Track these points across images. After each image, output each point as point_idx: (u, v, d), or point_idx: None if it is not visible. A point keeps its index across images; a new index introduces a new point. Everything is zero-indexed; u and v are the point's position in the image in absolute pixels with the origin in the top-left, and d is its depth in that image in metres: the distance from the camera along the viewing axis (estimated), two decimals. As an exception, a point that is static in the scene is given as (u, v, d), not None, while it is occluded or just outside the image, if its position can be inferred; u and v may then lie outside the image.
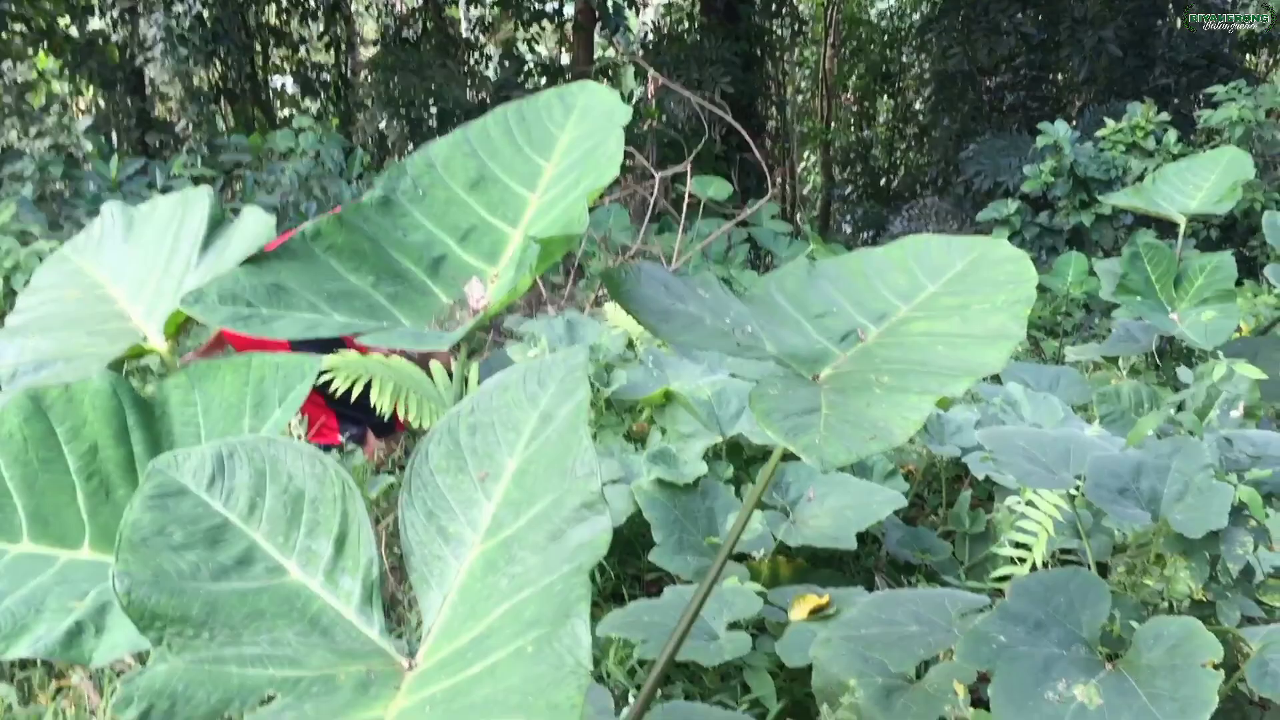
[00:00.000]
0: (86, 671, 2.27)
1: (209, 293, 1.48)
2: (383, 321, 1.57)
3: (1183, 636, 1.85)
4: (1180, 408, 2.63)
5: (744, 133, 8.83)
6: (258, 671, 1.07)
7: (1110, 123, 9.58)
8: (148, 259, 1.82)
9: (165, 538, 1.16)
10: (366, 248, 1.65)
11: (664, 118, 12.03)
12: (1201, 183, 5.17)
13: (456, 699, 0.99)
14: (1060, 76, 14.61)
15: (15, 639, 1.26)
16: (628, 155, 9.41)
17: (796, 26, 16.03)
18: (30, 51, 13.29)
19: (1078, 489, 2.63)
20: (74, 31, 12.32)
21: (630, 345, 3.69)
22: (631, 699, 2.47)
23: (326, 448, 3.75)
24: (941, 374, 1.57)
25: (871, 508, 2.85)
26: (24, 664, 2.43)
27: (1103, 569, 2.39)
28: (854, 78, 17.77)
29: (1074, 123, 10.91)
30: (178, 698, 1.04)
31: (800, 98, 18.28)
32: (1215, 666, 1.80)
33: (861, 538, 3.38)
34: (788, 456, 2.73)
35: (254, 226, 1.68)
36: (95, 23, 12.14)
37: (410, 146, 11.36)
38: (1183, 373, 3.38)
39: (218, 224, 1.78)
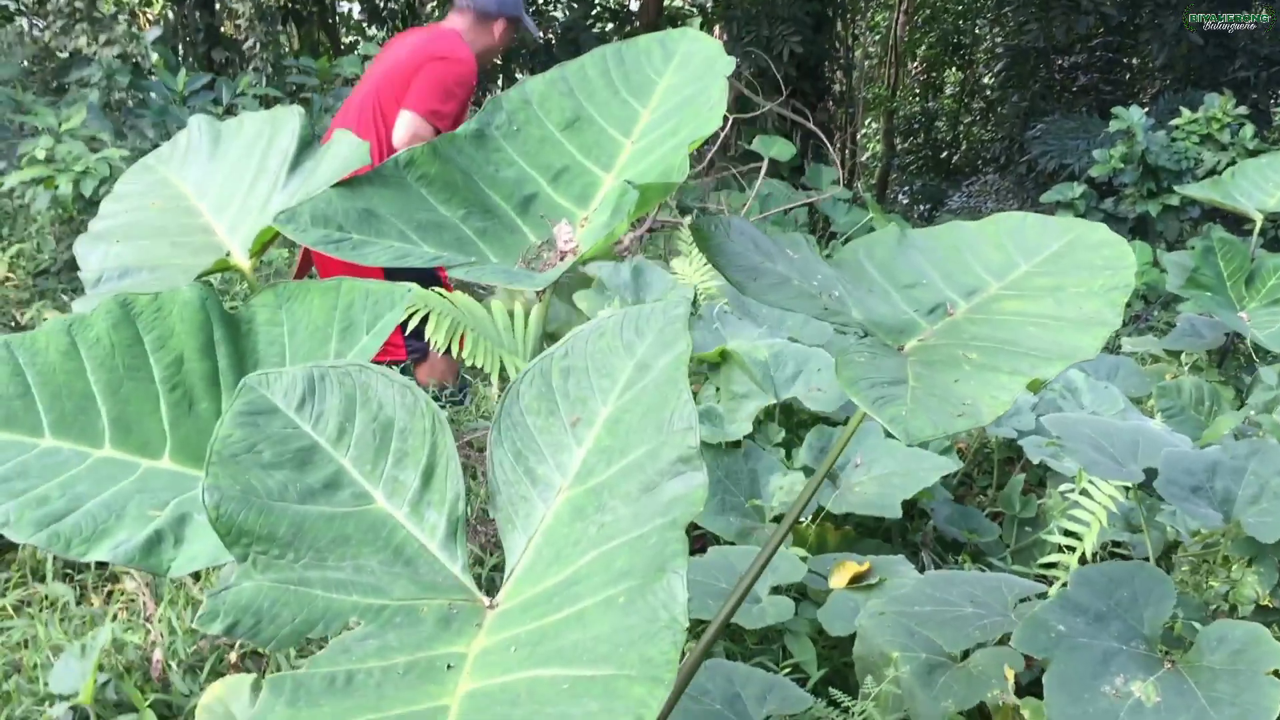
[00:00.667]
0: (143, 578, 2.30)
1: (302, 213, 1.48)
2: (471, 256, 1.56)
3: (1247, 642, 1.82)
4: (1265, 410, 2.58)
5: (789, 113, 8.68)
6: (342, 597, 1.07)
7: (1186, 112, 9.36)
8: (234, 174, 1.82)
9: (255, 455, 1.15)
10: (458, 180, 1.63)
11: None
12: (1283, 181, 5.04)
13: (543, 642, 0.98)
14: (1136, 61, 14.28)
15: (96, 542, 1.27)
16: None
17: (871, -11, 15.75)
18: (103, -42, 13.31)
19: (1139, 483, 2.60)
20: (148, -59, 12.34)
21: (694, 302, 3.66)
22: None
23: (391, 363, 3.82)
24: (1033, 355, 1.54)
25: (918, 475, 2.82)
26: (79, 567, 2.47)
27: (1161, 567, 2.36)
28: (924, 47, 17.46)
29: (1147, 109, 10.68)
30: (263, 615, 1.04)
31: (868, 63, 18.00)
32: (1278, 676, 1.77)
33: (910, 512, 3.36)
34: (834, 422, 2.71)
35: (346, 150, 1.66)
36: (169, -66, 12.14)
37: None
38: (1265, 373, 3.31)
39: (307, 145, 1.77)
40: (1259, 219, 4.97)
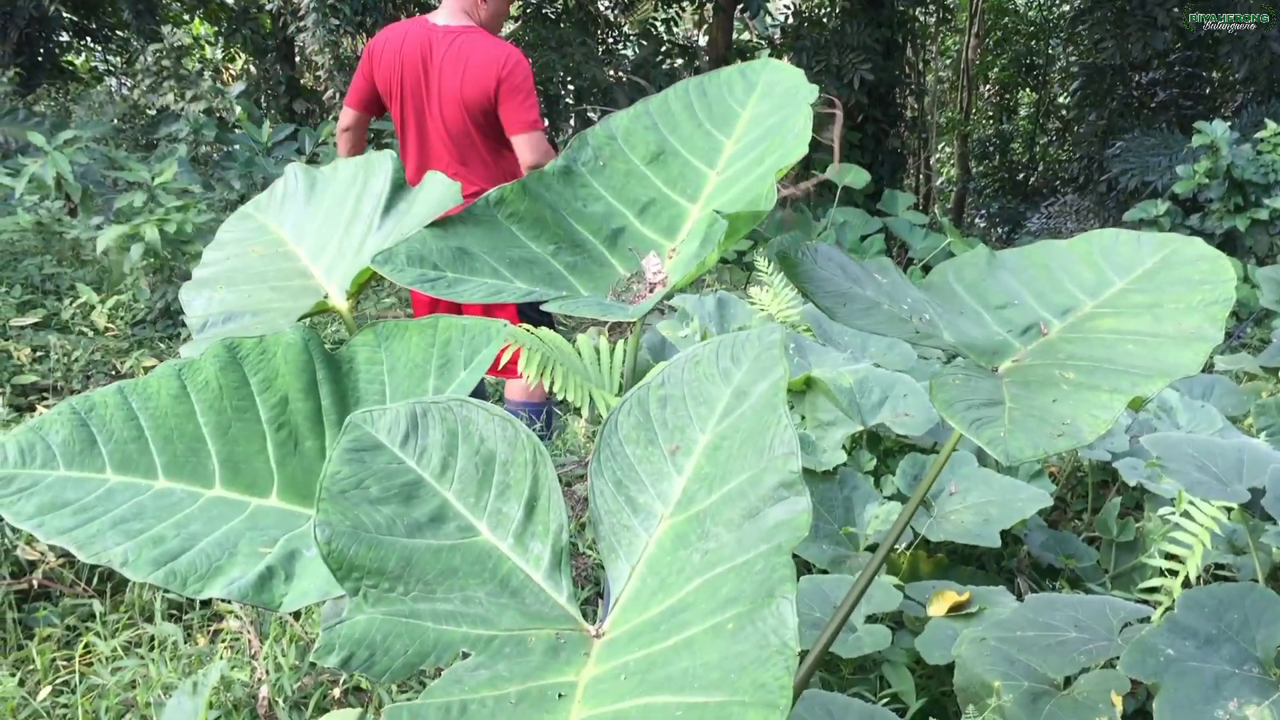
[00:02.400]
0: (247, 616, 2.34)
1: (398, 253, 1.51)
2: (562, 290, 1.58)
3: (1367, 663, 1.76)
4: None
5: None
6: (451, 628, 1.09)
7: (1271, 124, 9.16)
8: (330, 219, 1.87)
9: (362, 491, 1.18)
10: (548, 216, 1.66)
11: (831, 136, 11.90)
12: (1379, 190, 4.90)
13: (652, 670, 0.99)
14: (1216, 74, 14.01)
15: (211, 579, 1.30)
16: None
17: (941, 14, 15.69)
18: (187, 18, 13.79)
19: (1243, 504, 2.52)
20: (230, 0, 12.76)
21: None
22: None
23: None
24: (1133, 373, 1.51)
25: (1016, 505, 2.78)
26: (184, 608, 2.53)
27: (1272, 588, 2.29)
28: (996, 69, 17.34)
29: (1230, 123, 10.46)
30: (376, 648, 1.06)
31: (940, 87, 17.91)
32: (1402, 697, 1.71)
33: (1003, 537, 3.31)
34: (924, 450, 2.64)
35: (438, 191, 1.70)
36: (250, -9, 12.52)
37: (546, 123, 11.46)
38: None
39: (399, 188, 1.81)
40: (1355, 229, 4.83)
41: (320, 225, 1.87)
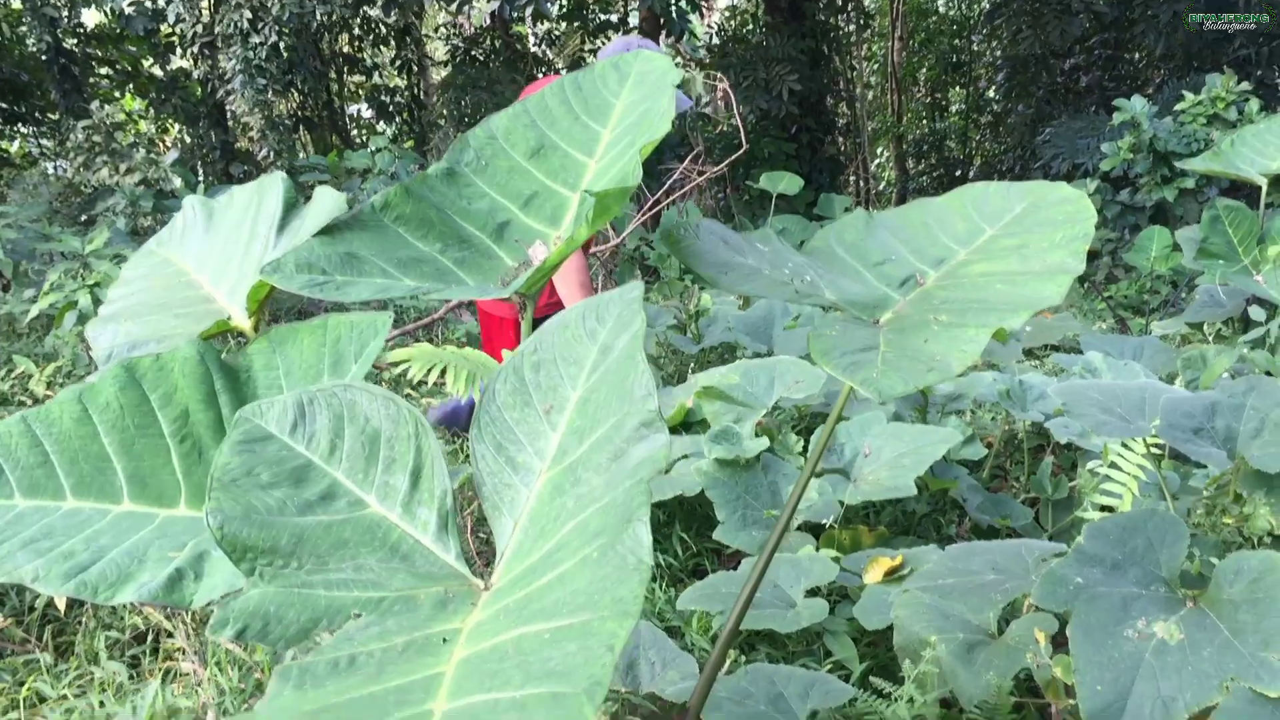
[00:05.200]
0: (191, 647, 2.37)
1: (286, 262, 1.56)
2: (450, 284, 1.63)
3: (1263, 570, 1.83)
4: (1253, 346, 2.59)
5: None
6: (343, 593, 1.13)
7: (1190, 96, 9.37)
8: (229, 245, 1.92)
9: (253, 478, 1.23)
10: (433, 216, 1.72)
11: (733, 121, 12.06)
12: (1282, 142, 5.05)
13: (529, 605, 1.04)
14: (1137, 54, 14.31)
15: (121, 586, 1.34)
16: (699, 158, 9.43)
17: (862, 21, 15.95)
18: (118, 94, 13.80)
19: (1160, 447, 2.61)
20: (157, 71, 12.79)
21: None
22: (716, 666, 2.50)
23: None
24: (1000, 309, 1.59)
25: (927, 450, 2.85)
26: (126, 646, 2.55)
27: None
28: (924, 69, 17.60)
29: (1152, 98, 10.69)
30: (270, 618, 1.11)
31: (871, 93, 18.16)
32: (1299, 598, 1.78)
33: (942, 504, 3.38)
34: (824, 417, 2.69)
35: (327, 204, 1.76)
36: (177, 61, 12.57)
37: None
38: (1253, 310, 3.30)
39: (292, 207, 1.86)
40: (1264, 183, 4.98)
41: (220, 251, 1.92)
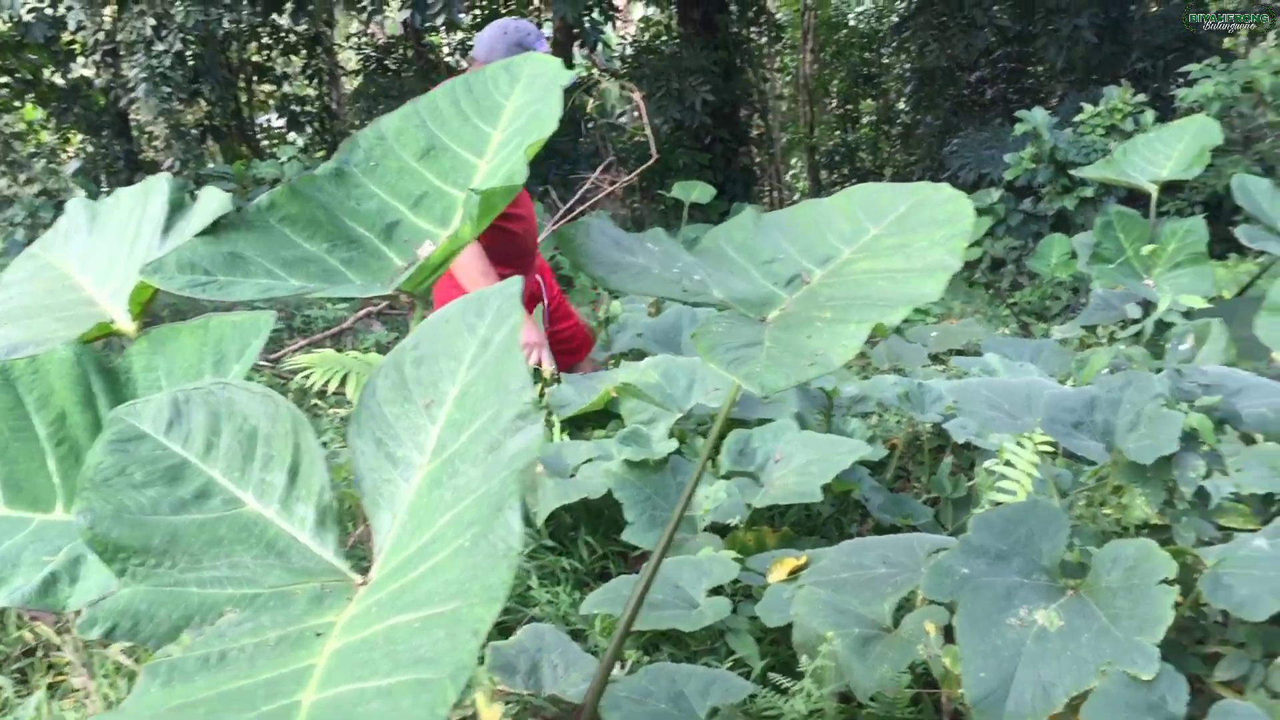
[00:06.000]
0: (79, 659, 2.31)
1: (167, 262, 1.54)
2: (337, 283, 1.63)
3: (1139, 558, 1.90)
4: (1130, 342, 2.68)
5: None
6: (217, 591, 1.13)
7: (1088, 108, 9.65)
8: (113, 247, 1.89)
9: (126, 477, 1.21)
10: (321, 216, 1.71)
11: (645, 132, 12.14)
12: (1171, 151, 5.23)
13: (402, 597, 1.04)
14: (1039, 67, 14.69)
15: (-10, 590, 1.32)
16: (611, 166, 9.46)
17: (774, 33, 16.15)
18: (17, 103, 13.42)
19: (1054, 444, 2.68)
20: (59, 79, 12.46)
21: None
22: (618, 668, 2.52)
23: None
24: (880, 305, 1.63)
25: (836, 459, 2.90)
26: (10, 659, 2.48)
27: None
28: (836, 82, 17.87)
29: (1054, 110, 10.98)
30: (140, 616, 1.09)
31: (784, 104, 18.39)
32: (1172, 584, 1.84)
33: (845, 506, 3.44)
34: (737, 422, 2.72)
35: (212, 205, 1.74)
36: (79, 69, 12.27)
37: None
38: (1130, 309, 3.41)
39: (178, 208, 1.84)
40: (1154, 190, 5.15)
41: (104, 254, 1.89)
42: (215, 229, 1.63)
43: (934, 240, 1.78)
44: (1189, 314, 4.37)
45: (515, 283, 1.28)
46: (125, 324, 1.75)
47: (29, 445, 1.48)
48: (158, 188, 1.87)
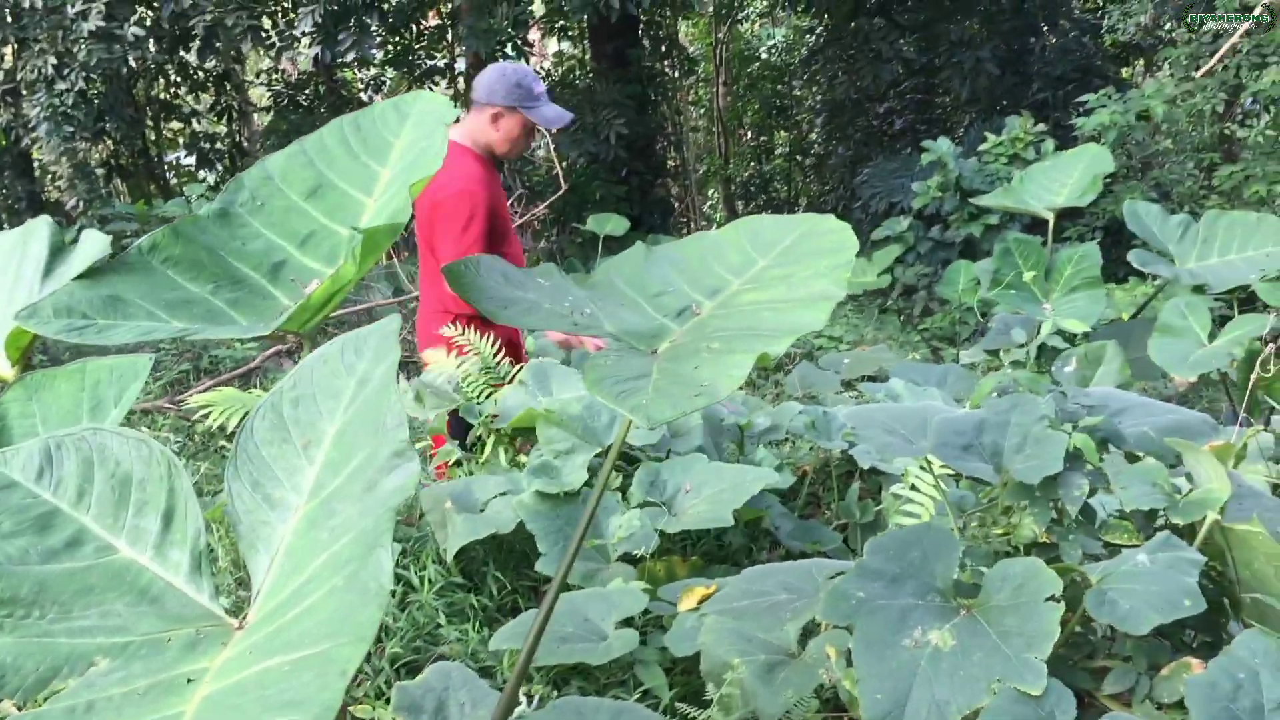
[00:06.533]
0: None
1: (44, 307, 1.52)
2: (222, 324, 1.61)
3: (1026, 576, 1.94)
4: (1015, 365, 2.75)
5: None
6: (86, 640, 1.11)
7: (991, 137, 9.91)
8: (-7, 291, 1.85)
9: (-6, 527, 1.19)
10: (204, 257, 1.70)
11: (562, 164, 12.18)
12: (1066, 179, 5.40)
13: (276, 639, 1.04)
14: (946, 98, 15.05)
15: None
16: (523, 200, 9.46)
17: (686, 67, 16.34)
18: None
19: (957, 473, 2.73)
20: (-43, 118, 12.17)
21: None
22: (526, 703, 2.51)
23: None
24: (766, 335, 1.66)
25: (745, 487, 2.93)
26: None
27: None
28: (749, 114, 18.11)
29: (959, 140, 11.26)
30: (6, 669, 1.07)
31: (699, 136, 18.57)
32: (1058, 601, 1.89)
33: (755, 534, 3.47)
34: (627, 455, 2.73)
35: (92, 248, 1.71)
36: (-22, 108, 11.99)
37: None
38: (1015, 333, 3.50)
39: (59, 251, 1.81)
40: (1050, 217, 5.30)
41: (-17, 298, 1.85)
42: (94, 272, 1.61)
43: (818, 270, 1.81)
44: (1082, 337, 4.50)
45: (394, 321, 1.29)
46: (3, 370, 1.71)
47: (-102, 496, 1.44)
48: (38, 231, 1.84)
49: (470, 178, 3.86)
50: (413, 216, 3.81)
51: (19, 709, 1.12)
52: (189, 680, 1.04)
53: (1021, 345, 4.08)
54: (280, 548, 1.20)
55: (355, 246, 1.51)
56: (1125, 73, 15.08)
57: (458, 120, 3.91)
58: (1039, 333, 4.41)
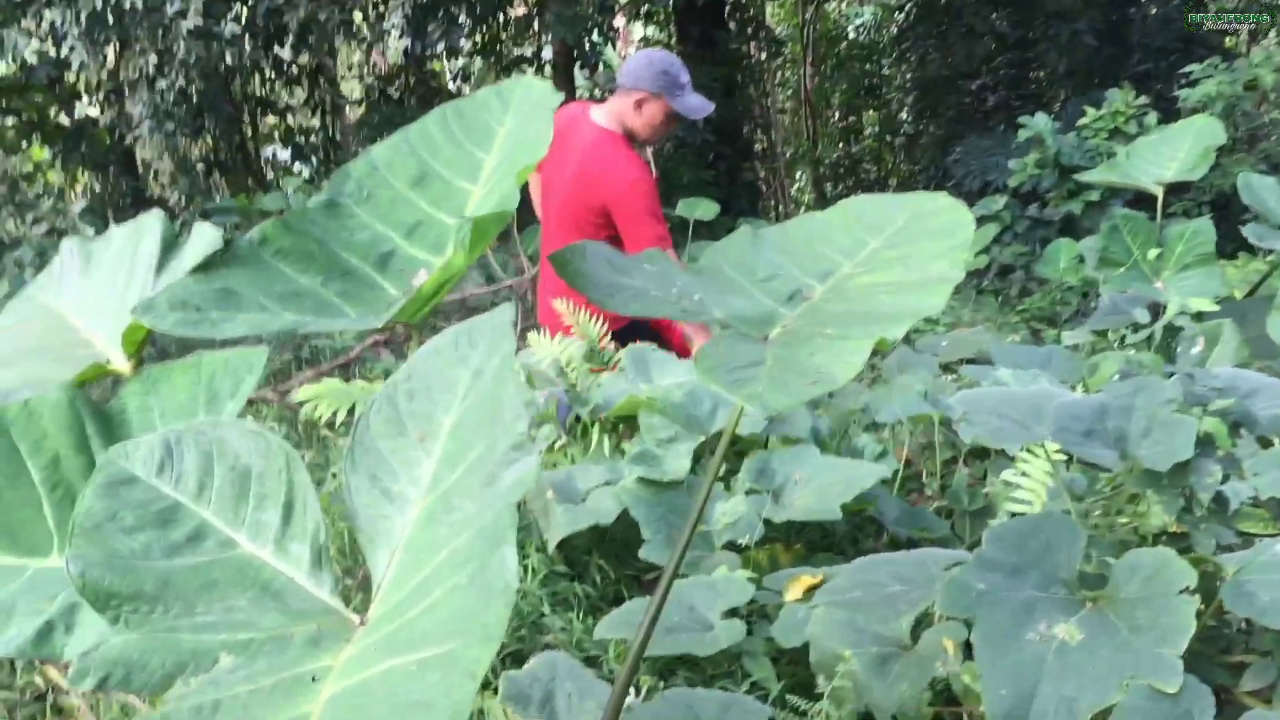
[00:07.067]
0: (85, 703, 2.30)
1: (159, 301, 1.53)
2: (333, 316, 1.61)
3: (1158, 567, 1.86)
4: (1139, 348, 2.64)
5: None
6: (210, 636, 1.10)
7: (1091, 111, 9.63)
8: (106, 287, 1.87)
9: (117, 523, 1.19)
10: (314, 249, 1.69)
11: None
12: (1175, 152, 5.20)
13: (399, 637, 1.02)
14: (1041, 73, 14.68)
15: (-14, 641, 1.29)
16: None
17: (774, 48, 16.17)
18: (24, 144, 13.51)
19: (1068, 452, 2.64)
20: (64, 119, 12.53)
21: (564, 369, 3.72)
22: (633, 695, 2.48)
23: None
24: (883, 319, 1.60)
25: (855, 480, 2.87)
26: (35, 699, 2.47)
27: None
28: (837, 94, 17.89)
29: (1057, 115, 10.96)
30: (133, 665, 1.07)
31: (786, 118, 18.39)
32: (1193, 593, 1.81)
33: (860, 521, 3.40)
34: (747, 442, 2.70)
35: (203, 242, 1.72)
36: (83, 109, 12.34)
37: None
38: (1139, 314, 3.37)
39: (170, 246, 1.83)
40: (1159, 192, 5.11)
41: (98, 293, 1.88)
42: (207, 265, 1.61)
43: (935, 252, 1.75)
44: (1199, 316, 4.33)
45: (507, 310, 1.26)
46: (121, 364, 1.73)
47: (24, 492, 1.46)
48: (150, 226, 1.85)
49: (641, 164, 3.93)
50: (524, 194, 3.82)
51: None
52: (314, 679, 1.03)
53: (1145, 326, 3.93)
54: (400, 542, 1.18)
55: (465, 235, 1.48)
56: (1229, 41, 14.53)
57: (601, 99, 3.93)
58: (1153, 313, 4.26)
